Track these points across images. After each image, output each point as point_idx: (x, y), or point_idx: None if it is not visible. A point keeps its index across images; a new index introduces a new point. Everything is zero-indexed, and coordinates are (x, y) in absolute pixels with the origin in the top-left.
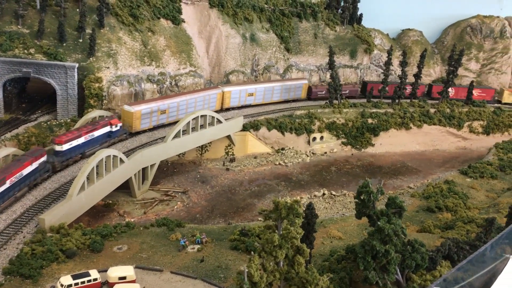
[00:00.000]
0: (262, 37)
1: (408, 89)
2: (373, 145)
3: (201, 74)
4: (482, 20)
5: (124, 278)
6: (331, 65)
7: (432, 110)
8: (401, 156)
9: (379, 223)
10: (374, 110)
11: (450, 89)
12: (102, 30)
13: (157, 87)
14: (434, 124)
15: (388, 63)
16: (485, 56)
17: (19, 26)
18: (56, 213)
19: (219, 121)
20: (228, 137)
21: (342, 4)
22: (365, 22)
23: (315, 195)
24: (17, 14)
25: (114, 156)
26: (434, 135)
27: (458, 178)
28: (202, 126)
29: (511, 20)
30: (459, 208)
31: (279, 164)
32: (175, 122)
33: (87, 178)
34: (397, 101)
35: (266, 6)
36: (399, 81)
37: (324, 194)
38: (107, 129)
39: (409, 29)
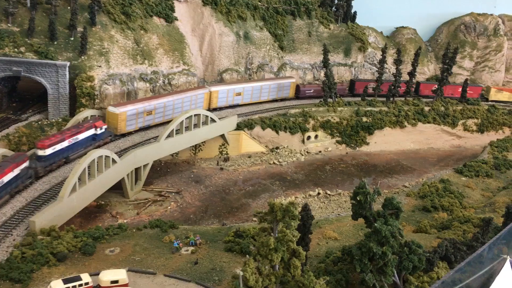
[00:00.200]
0: (256, 35)
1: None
2: (367, 143)
3: (194, 72)
4: (476, 18)
5: (116, 282)
6: (325, 63)
7: (426, 109)
8: (396, 155)
9: (376, 224)
10: (369, 108)
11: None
12: (93, 28)
13: (150, 86)
14: (429, 122)
15: (382, 61)
16: (479, 54)
17: (9, 24)
18: (47, 215)
19: (212, 120)
20: (222, 136)
21: (336, 2)
22: (359, 20)
23: (310, 195)
24: (7, 12)
25: (106, 157)
26: (429, 133)
27: (454, 177)
28: (195, 125)
29: (504, 18)
30: (455, 207)
31: (274, 163)
32: (162, 124)
33: (79, 179)
34: (391, 99)
35: (259, 4)
36: (393, 79)
37: (319, 193)
38: (91, 132)
39: (403, 27)
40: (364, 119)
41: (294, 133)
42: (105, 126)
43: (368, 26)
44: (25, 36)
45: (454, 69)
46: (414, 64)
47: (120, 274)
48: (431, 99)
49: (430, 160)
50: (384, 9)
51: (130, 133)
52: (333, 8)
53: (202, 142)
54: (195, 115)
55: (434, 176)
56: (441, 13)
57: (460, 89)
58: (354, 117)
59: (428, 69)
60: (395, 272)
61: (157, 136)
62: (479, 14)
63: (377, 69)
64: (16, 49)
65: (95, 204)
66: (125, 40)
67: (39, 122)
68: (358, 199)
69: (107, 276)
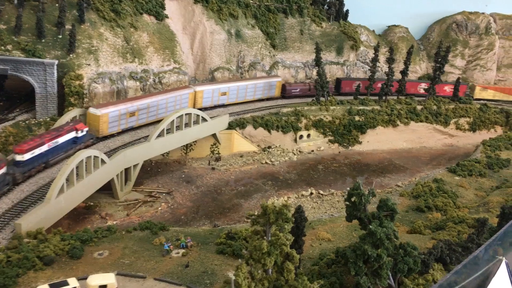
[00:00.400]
0: (248, 33)
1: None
2: (360, 142)
3: (185, 71)
4: (468, 16)
5: (104, 286)
6: (317, 62)
7: (419, 107)
8: (389, 154)
9: (370, 226)
10: (361, 107)
11: (423, 85)
12: (82, 26)
13: (140, 85)
14: (421, 121)
15: (375, 60)
16: (471, 52)
17: None
18: (34, 217)
19: (204, 119)
20: (214, 135)
21: (328, 0)
22: (351, 18)
23: (302, 195)
24: None
25: (95, 157)
26: (421, 132)
27: (447, 176)
28: (186, 125)
29: (496, 16)
30: (449, 207)
31: (266, 163)
32: (145, 125)
33: (67, 180)
34: (384, 98)
35: (251, 1)
36: (385, 77)
37: (311, 193)
38: (72, 134)
39: (395, 26)
40: (357, 118)
41: (286, 132)
42: (86, 129)
43: (360, 24)
44: (12, 33)
45: (446, 67)
46: (407, 63)
47: (109, 278)
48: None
49: (422, 159)
50: (376, 8)
51: (119, 133)
52: (325, 6)
53: (193, 142)
54: (186, 114)
55: (427, 175)
56: (433, 12)
57: (446, 88)
58: (346, 116)
59: (420, 67)
60: (390, 274)
61: (147, 136)
62: (470, 13)
63: (369, 68)
64: (2, 47)
65: (83, 205)
66: (115, 38)
67: (27, 122)
68: (353, 200)
69: (95, 280)
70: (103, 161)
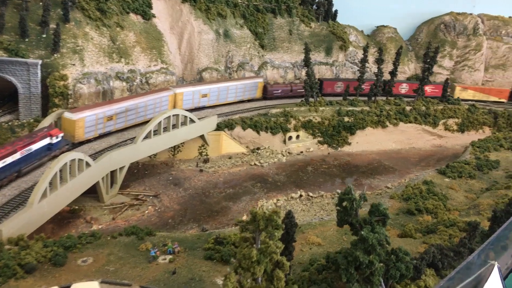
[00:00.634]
0: (236, 33)
1: (365, 86)
2: (349, 144)
3: (173, 71)
4: (456, 17)
5: None
6: (306, 62)
7: (408, 108)
8: (378, 155)
9: (362, 232)
10: (350, 108)
11: (405, 85)
12: (67, 25)
13: (126, 85)
14: (410, 122)
15: (364, 60)
16: (459, 53)
17: None
18: (15, 223)
19: (192, 121)
20: (202, 137)
21: (317, 0)
22: (339, 19)
23: (292, 197)
24: None
25: (80, 160)
26: (410, 133)
27: (437, 178)
28: (174, 126)
29: (483, 17)
30: (439, 210)
31: (255, 164)
32: (123, 129)
33: (50, 184)
34: (373, 98)
35: (240, 1)
36: (375, 78)
37: (301, 195)
38: (46, 141)
39: (383, 26)
40: (346, 119)
41: (275, 134)
42: (61, 134)
43: (348, 24)
44: None
45: (434, 68)
46: (396, 63)
47: (93, 287)
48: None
49: (411, 160)
50: (364, 8)
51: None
52: (314, 6)
53: (181, 143)
54: (173, 115)
55: (417, 177)
56: (421, 12)
57: (427, 88)
58: (335, 117)
59: (408, 68)
60: (382, 281)
61: (134, 138)
62: (458, 14)
63: (358, 69)
64: None
65: (68, 209)
66: (101, 37)
67: (10, 123)
68: (344, 205)
69: None
70: (87, 164)
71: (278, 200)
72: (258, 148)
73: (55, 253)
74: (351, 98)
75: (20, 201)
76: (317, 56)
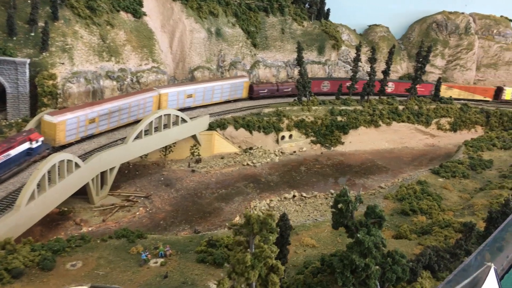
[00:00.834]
0: (228, 32)
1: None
2: (342, 143)
3: (164, 70)
4: (448, 16)
5: None
6: (299, 61)
7: (401, 107)
8: (371, 154)
9: (358, 235)
10: (343, 107)
11: (391, 84)
12: (56, 23)
13: (117, 84)
14: (403, 121)
15: (357, 60)
16: (451, 52)
17: None
18: (2, 226)
19: (183, 120)
20: (194, 136)
21: None
22: (332, 17)
23: (285, 197)
24: None
25: (69, 161)
26: (403, 132)
27: (430, 178)
28: (165, 126)
29: (475, 16)
30: (434, 210)
31: (247, 164)
32: (106, 132)
33: (38, 186)
34: (366, 98)
35: None
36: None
37: (294, 196)
38: (25, 146)
39: (376, 25)
40: (339, 118)
41: (268, 133)
42: (41, 139)
43: (341, 23)
44: None
45: (426, 67)
46: (389, 63)
47: None
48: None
49: (404, 160)
50: (357, 7)
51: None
52: (307, 5)
53: (172, 143)
54: (165, 115)
55: (410, 176)
56: (414, 11)
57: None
58: (328, 116)
59: (401, 67)
60: (378, 284)
61: (125, 138)
62: (450, 13)
63: (351, 68)
64: None
65: (57, 211)
66: (90, 36)
67: None
68: (339, 207)
69: None
70: (77, 165)
71: (271, 200)
72: (250, 148)
73: (43, 257)
74: (343, 97)
75: (7, 204)
76: (309, 55)
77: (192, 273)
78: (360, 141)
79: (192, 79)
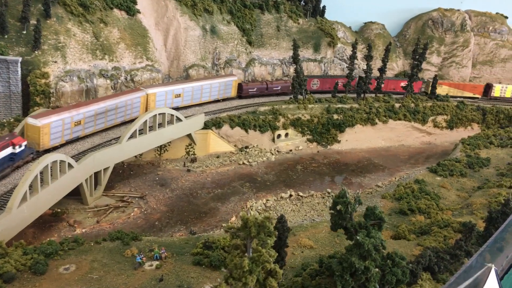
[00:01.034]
0: (223, 29)
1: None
2: (339, 141)
3: (158, 68)
4: (443, 13)
5: None
6: (295, 59)
7: (397, 105)
8: (367, 153)
9: (358, 237)
10: (340, 105)
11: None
12: (48, 21)
13: (111, 83)
14: (399, 119)
15: (353, 57)
16: (446, 49)
17: None
18: None
19: (178, 119)
20: (189, 135)
21: None
22: (327, 15)
23: (281, 197)
24: None
25: (61, 161)
26: (399, 130)
27: (428, 176)
28: (160, 125)
29: (471, 13)
30: (432, 209)
31: (243, 163)
32: (92, 134)
33: (30, 187)
34: (362, 96)
35: None
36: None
37: (291, 195)
38: (8, 151)
39: (371, 22)
40: (335, 116)
41: (264, 132)
42: (24, 143)
43: (336, 21)
44: None
45: (422, 65)
46: (385, 60)
47: None
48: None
49: (401, 158)
50: (352, 4)
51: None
52: (302, 2)
53: (167, 142)
54: (159, 114)
55: (407, 175)
56: (409, 8)
57: (402, 84)
58: (325, 115)
59: (396, 64)
60: (378, 287)
61: (119, 137)
62: (446, 10)
63: (347, 65)
64: None
65: (50, 212)
66: (83, 33)
67: None
68: (338, 209)
69: None
70: (70, 165)
71: (267, 200)
72: (246, 147)
73: (36, 260)
74: (340, 95)
75: None
76: (305, 53)
77: (188, 276)
78: (357, 139)
79: (187, 77)
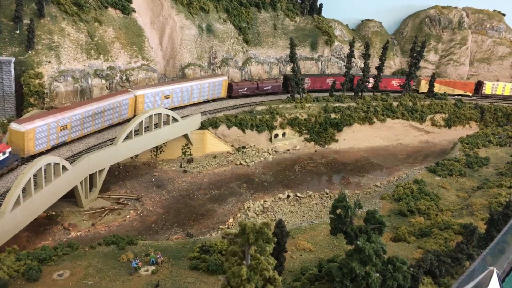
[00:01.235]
0: (219, 28)
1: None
2: (336, 141)
3: (154, 68)
4: (441, 11)
5: None
6: (292, 57)
7: (395, 104)
8: (365, 152)
9: (358, 242)
10: (337, 104)
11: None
12: (42, 21)
13: (106, 83)
14: (397, 118)
15: (350, 56)
16: (444, 47)
17: None
18: None
19: (175, 120)
20: (185, 136)
21: None
22: (324, 13)
23: (279, 198)
24: None
25: (55, 164)
26: (398, 129)
27: (427, 176)
28: (156, 125)
29: (468, 10)
30: (432, 210)
31: (240, 163)
32: (78, 139)
33: (23, 191)
34: (359, 94)
35: None
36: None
37: (288, 196)
38: None
39: (368, 20)
40: (333, 115)
41: (261, 131)
42: (9, 149)
43: (333, 19)
44: None
45: (420, 63)
46: (382, 58)
47: None
48: None
49: (399, 157)
50: (349, 2)
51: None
52: (299, 0)
53: (163, 143)
54: (155, 114)
55: (406, 174)
56: (406, 6)
57: (393, 82)
58: (322, 114)
59: (394, 62)
60: None
61: (114, 138)
62: (443, 7)
63: (344, 64)
64: None
65: (44, 215)
66: (78, 33)
67: None
68: (338, 213)
69: None
70: (64, 168)
71: (265, 201)
72: (243, 147)
73: (29, 266)
74: (337, 94)
75: None
76: (302, 51)
77: (185, 281)
78: (354, 139)
79: (183, 77)
